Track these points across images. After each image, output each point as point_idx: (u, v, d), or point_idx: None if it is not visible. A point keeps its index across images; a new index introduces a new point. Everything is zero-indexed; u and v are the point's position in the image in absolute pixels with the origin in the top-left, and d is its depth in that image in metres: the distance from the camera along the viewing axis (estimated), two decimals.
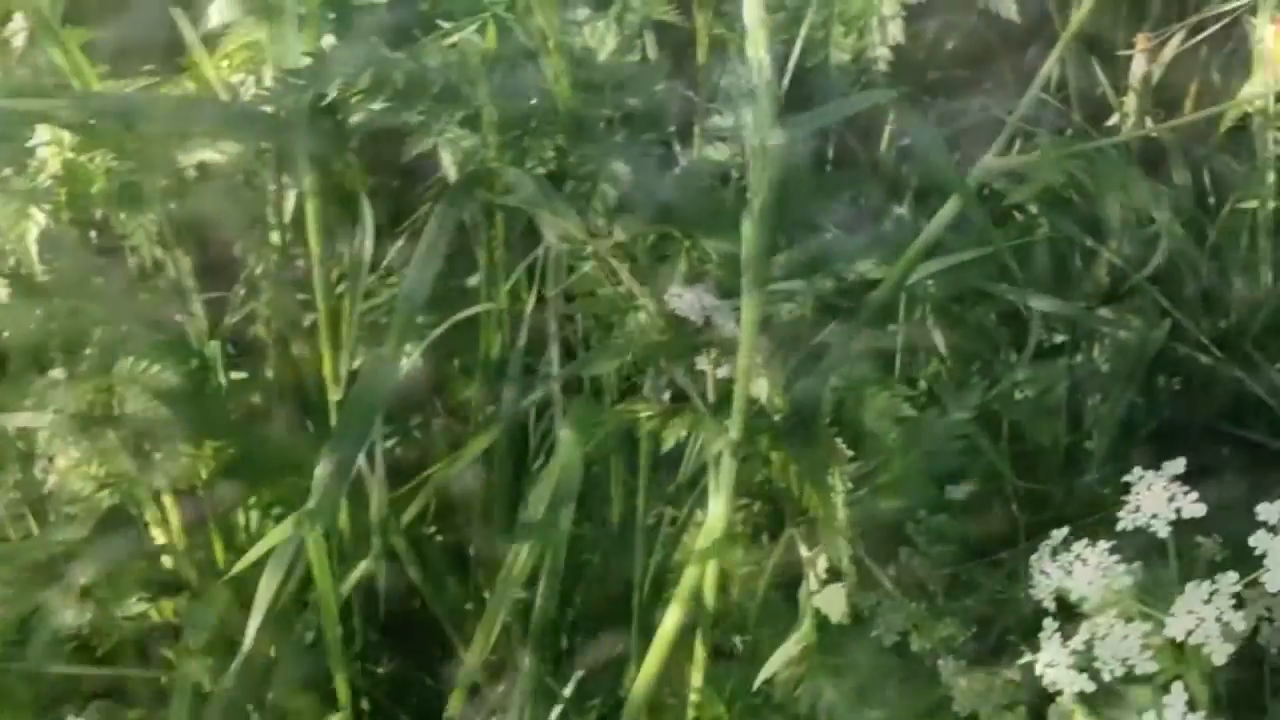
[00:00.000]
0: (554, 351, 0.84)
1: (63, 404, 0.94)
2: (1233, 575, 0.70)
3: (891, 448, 0.78)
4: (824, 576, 0.71)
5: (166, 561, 1.00)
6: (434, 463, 0.94)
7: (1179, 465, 0.69)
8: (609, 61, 0.99)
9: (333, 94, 0.81)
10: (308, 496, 0.93)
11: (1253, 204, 1.23)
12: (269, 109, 0.84)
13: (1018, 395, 1.30)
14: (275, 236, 1.07)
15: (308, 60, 0.83)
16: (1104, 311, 1.27)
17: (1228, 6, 1.18)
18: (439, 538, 1.05)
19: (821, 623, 0.74)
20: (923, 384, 1.27)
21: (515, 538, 0.76)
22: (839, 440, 0.68)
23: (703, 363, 0.71)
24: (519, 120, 0.87)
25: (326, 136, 0.85)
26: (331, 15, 0.91)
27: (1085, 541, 0.70)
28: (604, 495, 1.03)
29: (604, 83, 0.99)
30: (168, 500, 1.02)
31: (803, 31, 1.27)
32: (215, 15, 1.10)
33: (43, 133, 0.99)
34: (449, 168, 1.00)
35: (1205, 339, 1.24)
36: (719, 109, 1.07)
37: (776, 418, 0.69)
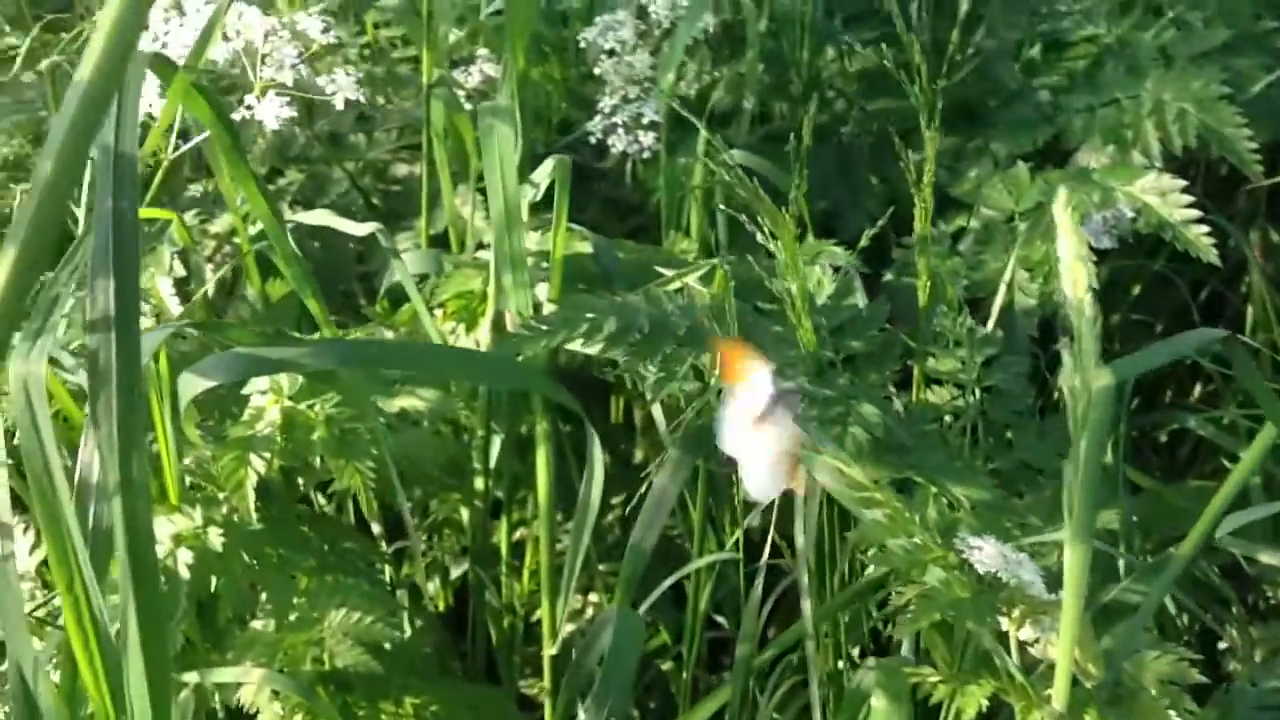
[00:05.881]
0: (808, 605, 0.79)
1: (269, 657, 0.91)
2: None
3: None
4: None
5: None
6: None
7: None
8: (829, 305, 0.98)
9: (577, 341, 0.80)
10: None
11: None
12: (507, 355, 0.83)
13: None
14: (479, 483, 1.05)
15: (551, 307, 0.82)
16: None
17: None
18: None
19: None
20: None
21: None
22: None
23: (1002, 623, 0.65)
24: None
25: (561, 383, 0.84)
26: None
27: None
28: None
29: (824, 326, 0.97)
30: None
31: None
32: (411, 265, 1.12)
33: (260, 381, 0.99)
34: (659, 420, 0.98)
35: None
36: (934, 352, 1.05)
37: (1090, 686, 0.63)
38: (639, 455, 1.33)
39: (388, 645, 0.98)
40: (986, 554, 0.65)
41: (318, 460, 0.94)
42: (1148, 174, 1.27)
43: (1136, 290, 1.42)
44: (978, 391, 1.02)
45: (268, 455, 0.93)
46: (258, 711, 0.93)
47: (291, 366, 0.77)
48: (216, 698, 0.99)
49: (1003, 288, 1.17)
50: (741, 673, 0.84)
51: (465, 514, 1.11)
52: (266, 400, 0.96)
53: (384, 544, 1.11)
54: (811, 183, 1.37)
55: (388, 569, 1.11)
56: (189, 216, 1.32)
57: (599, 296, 0.82)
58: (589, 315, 0.80)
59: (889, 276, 1.41)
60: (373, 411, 0.96)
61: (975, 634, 0.64)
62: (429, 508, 1.25)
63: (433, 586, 1.27)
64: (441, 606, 1.24)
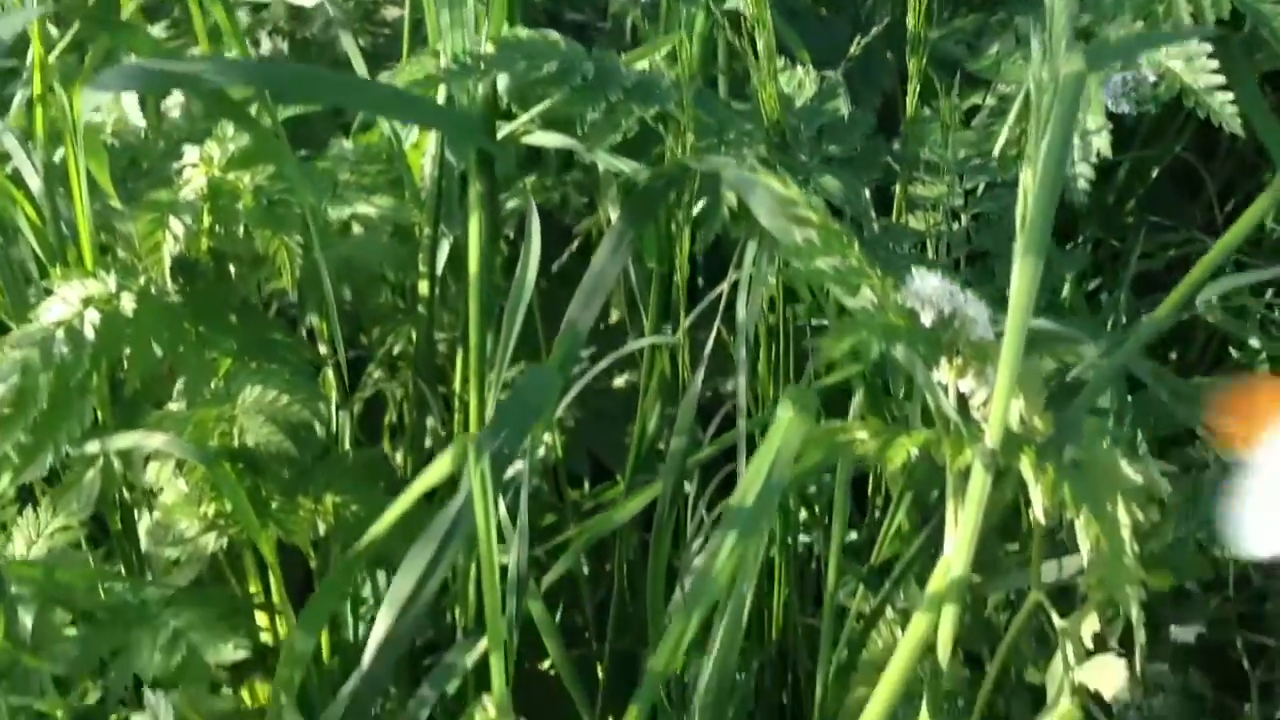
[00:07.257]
0: (743, 380, 0.72)
1: (178, 430, 0.85)
2: None
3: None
4: (1089, 644, 0.56)
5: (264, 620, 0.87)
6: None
7: None
8: (809, 107, 0.91)
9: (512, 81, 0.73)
10: None
11: None
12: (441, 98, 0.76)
13: None
14: (424, 287, 0.98)
15: (489, 46, 0.75)
16: None
17: None
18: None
19: None
20: None
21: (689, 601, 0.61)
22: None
23: (940, 373, 0.58)
24: (713, 129, 0.77)
25: (496, 135, 0.77)
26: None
27: None
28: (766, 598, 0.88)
29: (801, 128, 0.90)
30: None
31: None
32: None
33: (192, 153, 0.93)
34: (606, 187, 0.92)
35: None
36: (921, 178, 0.97)
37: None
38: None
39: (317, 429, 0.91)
40: (930, 285, 0.57)
41: (241, 230, 0.88)
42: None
43: (1155, 173, 1.34)
44: (964, 218, 0.95)
45: (189, 221, 0.87)
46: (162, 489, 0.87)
47: (194, 81, 0.70)
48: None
49: (1004, 133, 1.09)
50: (674, 467, 0.77)
51: (414, 334, 1.04)
52: (196, 171, 0.90)
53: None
54: (823, 49, 1.29)
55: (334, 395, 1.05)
56: None
57: (542, 40, 0.75)
58: (527, 55, 0.73)
59: (896, 146, 1.33)
60: (305, 185, 0.89)
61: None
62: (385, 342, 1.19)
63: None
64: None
